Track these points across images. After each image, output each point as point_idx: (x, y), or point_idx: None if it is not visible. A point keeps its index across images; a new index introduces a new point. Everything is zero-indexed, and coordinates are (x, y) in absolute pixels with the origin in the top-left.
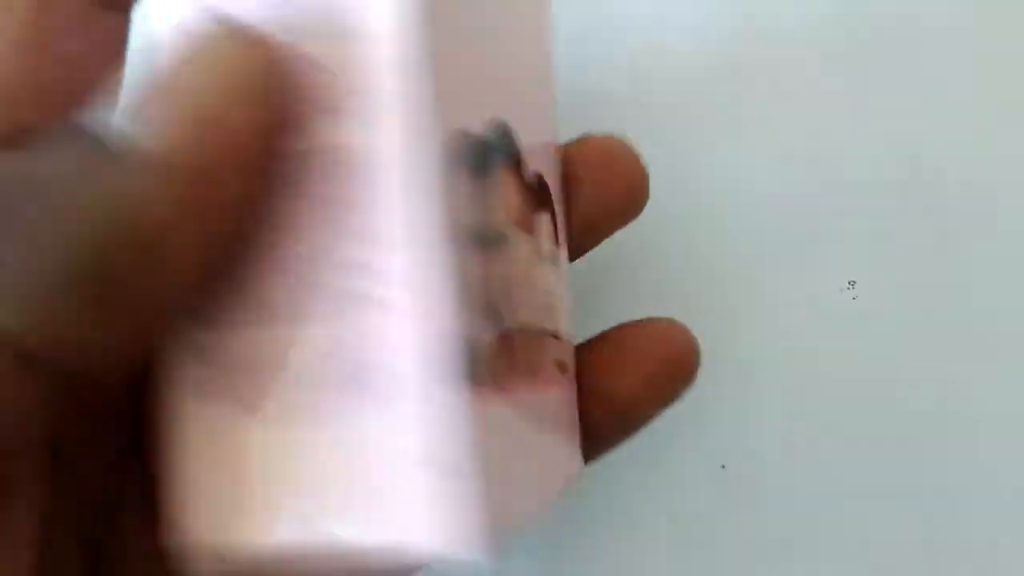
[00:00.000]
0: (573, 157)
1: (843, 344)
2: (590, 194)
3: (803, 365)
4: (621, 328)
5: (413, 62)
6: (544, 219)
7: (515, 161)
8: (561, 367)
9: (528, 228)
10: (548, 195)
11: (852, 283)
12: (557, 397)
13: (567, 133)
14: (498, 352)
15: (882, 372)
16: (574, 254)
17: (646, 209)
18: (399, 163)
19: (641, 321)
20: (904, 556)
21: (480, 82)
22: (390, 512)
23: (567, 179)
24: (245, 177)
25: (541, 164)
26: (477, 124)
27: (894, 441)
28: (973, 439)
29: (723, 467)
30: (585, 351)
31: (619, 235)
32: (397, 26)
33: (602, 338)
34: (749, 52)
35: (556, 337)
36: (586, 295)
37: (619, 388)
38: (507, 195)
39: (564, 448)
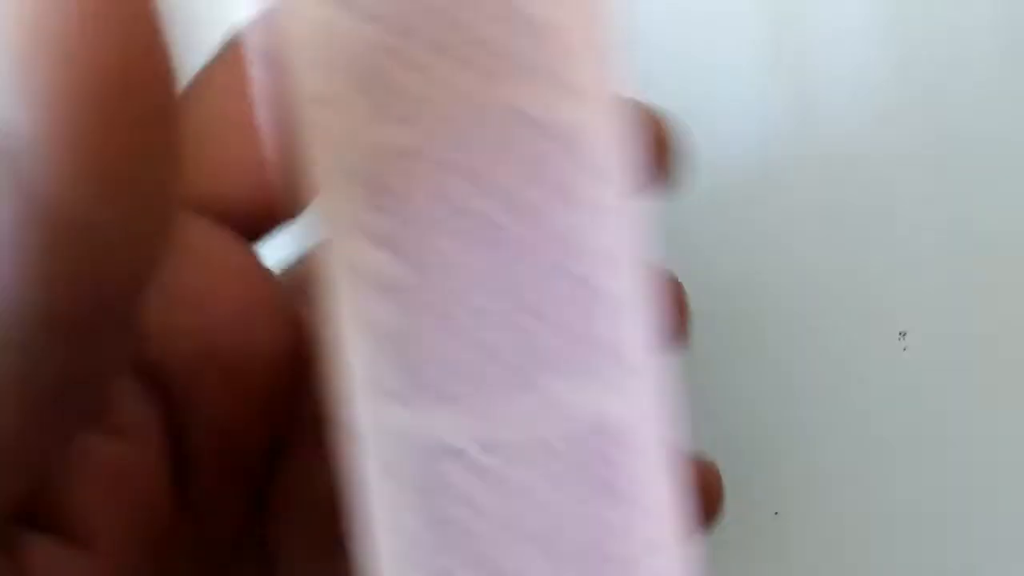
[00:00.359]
0: None
1: (895, 395)
2: None
3: (854, 414)
4: None
5: None
6: None
7: None
8: None
9: None
10: None
11: (903, 334)
12: None
13: None
14: None
15: (931, 424)
16: None
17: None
18: None
19: None
20: None
21: None
22: None
23: None
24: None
25: None
26: None
27: (949, 489)
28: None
29: (776, 514)
30: None
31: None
32: None
33: None
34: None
35: None
36: None
37: None
38: None
39: None
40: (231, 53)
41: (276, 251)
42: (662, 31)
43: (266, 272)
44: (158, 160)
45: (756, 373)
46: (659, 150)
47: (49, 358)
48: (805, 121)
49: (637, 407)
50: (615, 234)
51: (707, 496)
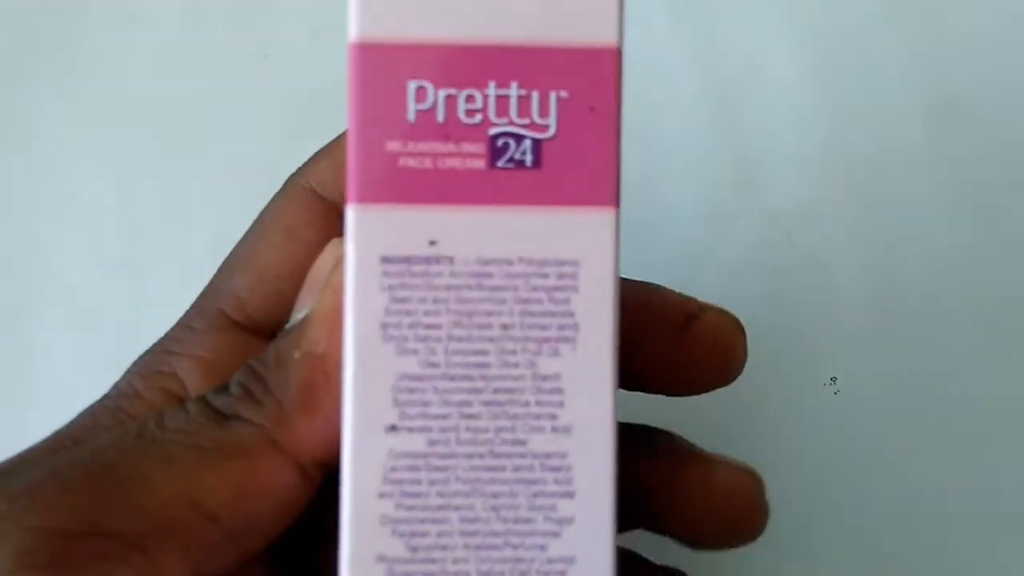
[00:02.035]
0: None
1: (827, 438)
2: None
3: (785, 457)
4: (688, 465)
5: None
6: None
7: None
8: None
9: None
10: None
11: (834, 379)
12: None
13: None
14: None
15: (864, 465)
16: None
17: None
18: None
19: (713, 463)
20: None
21: None
22: None
23: None
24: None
25: None
26: None
27: (880, 527)
28: (959, 531)
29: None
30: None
31: None
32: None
33: (666, 469)
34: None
35: None
36: None
37: (675, 532)
38: None
39: None
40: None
41: None
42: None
43: None
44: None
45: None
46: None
47: None
48: (747, 184)
49: None
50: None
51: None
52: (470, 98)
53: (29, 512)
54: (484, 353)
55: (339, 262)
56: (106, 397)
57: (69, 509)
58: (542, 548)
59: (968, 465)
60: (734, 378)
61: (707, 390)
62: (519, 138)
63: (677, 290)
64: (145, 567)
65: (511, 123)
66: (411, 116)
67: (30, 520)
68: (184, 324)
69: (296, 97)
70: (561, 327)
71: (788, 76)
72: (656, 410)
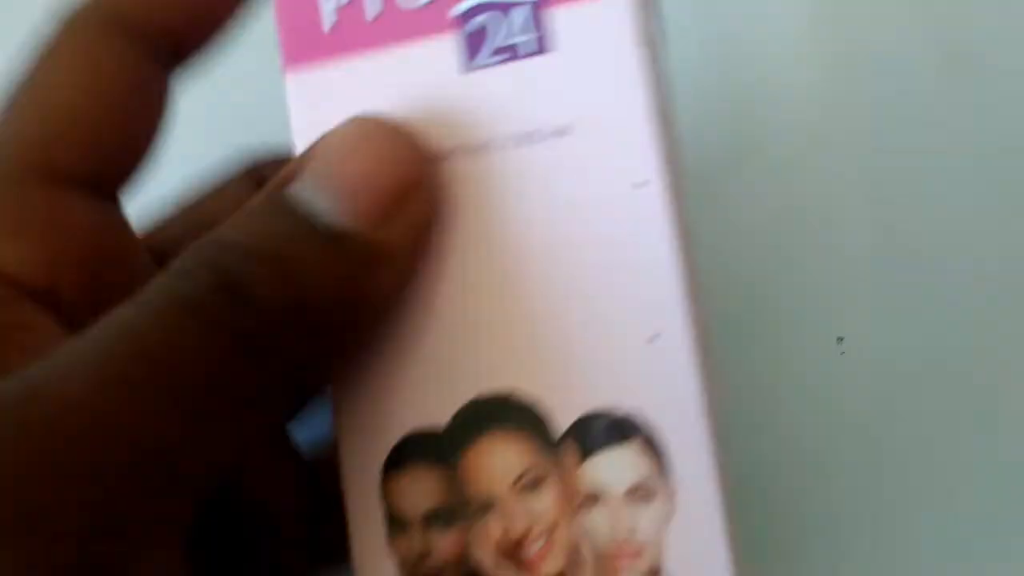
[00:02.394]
0: None
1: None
2: None
3: (791, 420)
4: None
5: None
6: (605, 460)
7: (513, 427)
8: None
9: (543, 484)
10: (615, 430)
11: (840, 339)
12: None
13: None
14: None
15: (871, 429)
16: None
17: None
18: None
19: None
20: None
21: (446, 374)
22: None
23: None
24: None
25: (613, 384)
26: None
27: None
28: (964, 496)
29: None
30: None
31: None
32: None
33: None
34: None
35: None
36: None
37: None
38: (493, 464)
39: None
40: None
41: None
42: None
43: None
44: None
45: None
46: None
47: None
48: (748, 124)
49: None
50: None
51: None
52: None
53: None
54: None
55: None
56: None
57: None
58: None
59: (981, 425)
60: None
61: None
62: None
63: None
64: None
65: None
66: None
67: None
68: None
69: None
70: None
71: (790, 16)
72: None
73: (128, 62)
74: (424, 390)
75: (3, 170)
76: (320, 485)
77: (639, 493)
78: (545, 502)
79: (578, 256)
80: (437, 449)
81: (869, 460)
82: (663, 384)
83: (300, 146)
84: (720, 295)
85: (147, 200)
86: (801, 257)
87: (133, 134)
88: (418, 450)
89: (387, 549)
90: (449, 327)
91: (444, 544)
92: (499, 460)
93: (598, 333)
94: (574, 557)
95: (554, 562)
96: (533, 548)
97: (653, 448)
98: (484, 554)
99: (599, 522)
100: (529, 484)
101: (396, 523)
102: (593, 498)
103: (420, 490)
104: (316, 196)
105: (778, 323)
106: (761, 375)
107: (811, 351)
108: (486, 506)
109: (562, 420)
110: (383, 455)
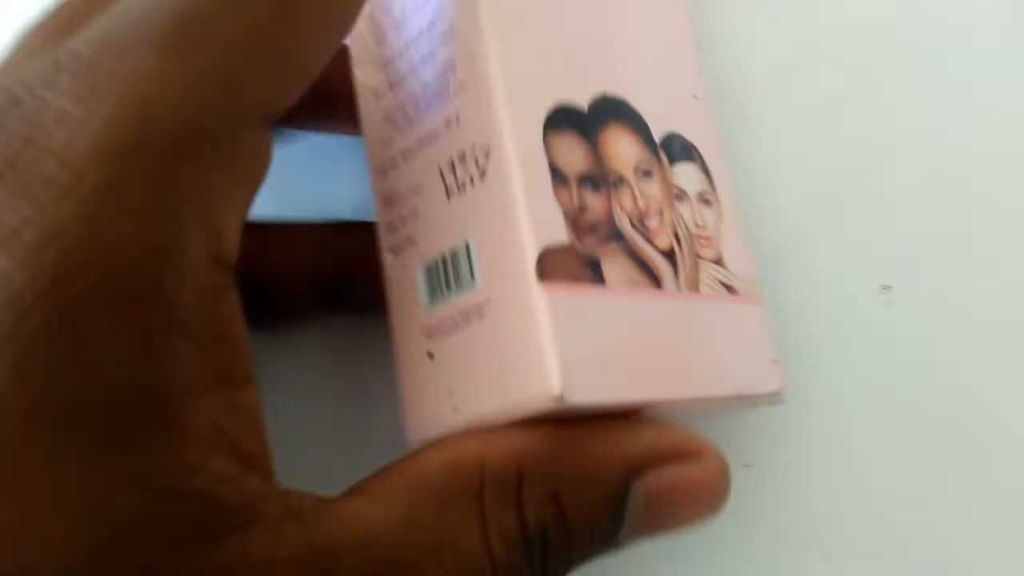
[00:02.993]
0: None
1: (876, 351)
2: None
3: (833, 369)
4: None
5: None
6: (682, 169)
7: (630, 125)
8: (729, 289)
9: (652, 174)
10: (685, 149)
11: (887, 287)
12: (723, 311)
13: None
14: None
15: (917, 380)
16: None
17: None
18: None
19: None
20: (925, 562)
21: (580, 67)
22: None
23: None
24: None
25: (677, 121)
26: (580, 99)
27: (925, 449)
28: (1011, 451)
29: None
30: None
31: None
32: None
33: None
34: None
35: (716, 263)
36: None
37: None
38: (621, 149)
39: (734, 357)
40: None
41: None
42: None
43: None
44: None
45: None
46: None
47: None
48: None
49: None
50: None
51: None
52: None
53: None
54: None
55: None
56: None
57: None
58: None
59: None
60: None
61: None
62: None
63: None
64: None
65: None
66: None
67: None
68: None
69: None
70: None
71: None
72: None
73: None
74: (569, 74)
75: None
76: (336, 247)
77: (704, 198)
78: (655, 189)
79: (647, 29)
80: (580, 123)
81: (914, 417)
82: (703, 128)
83: None
84: (760, 234)
85: None
86: (845, 199)
87: None
88: (568, 119)
89: (552, 198)
90: (586, 31)
91: (595, 203)
92: (625, 146)
93: (667, 87)
94: (676, 236)
95: (666, 238)
96: (654, 222)
97: (704, 169)
98: (623, 219)
99: (685, 213)
100: (644, 172)
101: (558, 176)
102: (681, 195)
103: (573, 153)
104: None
105: (816, 270)
106: (799, 326)
107: (857, 299)
108: (620, 180)
109: (655, 133)
110: (543, 114)
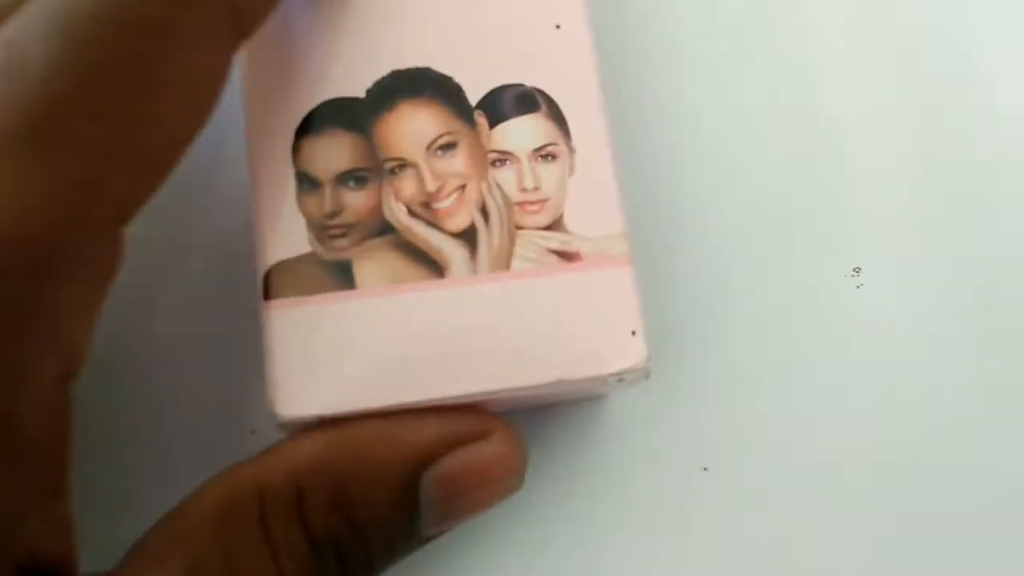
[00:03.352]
0: None
1: (844, 338)
2: None
3: (798, 358)
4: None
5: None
6: (513, 126)
7: (429, 96)
8: (566, 256)
9: (456, 146)
10: (523, 100)
11: (857, 270)
12: (547, 285)
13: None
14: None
15: (885, 370)
16: None
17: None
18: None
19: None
20: (889, 564)
21: (361, 52)
22: None
23: None
24: None
25: (517, 67)
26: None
27: (891, 447)
28: (982, 446)
29: (705, 469)
30: None
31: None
32: None
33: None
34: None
35: (549, 228)
36: None
37: None
38: (408, 130)
39: (562, 335)
40: None
41: None
42: None
43: None
44: None
45: (703, 309)
46: None
47: None
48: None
49: None
50: None
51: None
52: None
53: None
54: None
55: None
56: None
57: None
58: None
59: (1011, 368)
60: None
61: None
62: None
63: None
64: None
65: None
66: None
67: None
68: None
69: None
70: None
71: None
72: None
73: None
74: (342, 63)
75: None
76: None
77: (544, 152)
78: (457, 164)
79: None
80: (352, 116)
81: (886, 405)
82: (563, 64)
83: None
84: (729, 211)
85: None
86: (813, 179)
87: None
88: (334, 115)
89: (295, 207)
90: (370, 7)
91: (356, 201)
92: (416, 125)
93: (508, 21)
94: (483, 213)
95: (463, 218)
96: (446, 202)
97: (555, 117)
98: (397, 209)
99: (508, 179)
100: (443, 147)
101: (307, 183)
102: (503, 159)
103: (334, 153)
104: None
105: (784, 252)
106: (772, 305)
107: (826, 283)
108: (400, 166)
109: (474, 93)
110: (296, 120)
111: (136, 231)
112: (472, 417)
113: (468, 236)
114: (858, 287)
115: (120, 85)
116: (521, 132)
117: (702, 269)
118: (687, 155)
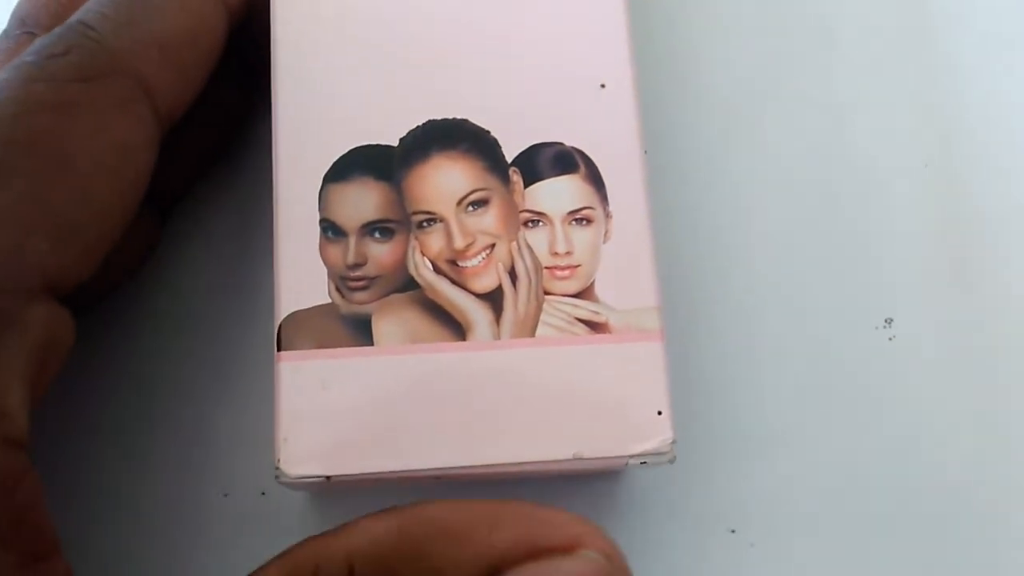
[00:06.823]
0: None
1: (876, 390)
2: None
3: (830, 414)
4: None
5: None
6: (548, 186)
7: (464, 150)
8: (594, 326)
9: (489, 203)
10: (562, 160)
11: (889, 321)
12: (571, 355)
13: None
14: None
15: (918, 423)
16: None
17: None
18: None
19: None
20: None
21: (397, 100)
22: None
23: None
24: None
25: (557, 126)
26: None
27: (923, 507)
28: (1017, 501)
29: (733, 532)
30: None
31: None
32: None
33: None
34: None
35: (579, 296)
36: None
37: None
38: (440, 183)
39: (584, 410)
40: None
41: None
42: None
43: None
44: None
45: (736, 363)
46: None
47: None
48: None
49: None
50: None
51: None
52: None
53: None
54: None
55: None
56: None
57: None
58: None
59: None
60: None
61: None
62: None
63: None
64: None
65: None
66: None
67: None
68: None
69: None
70: None
71: None
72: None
73: None
74: (377, 109)
75: None
76: None
77: (580, 216)
78: (488, 221)
79: (535, 6)
80: (383, 164)
81: (915, 456)
82: (606, 125)
83: None
84: (758, 264)
85: None
86: (847, 229)
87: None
88: (364, 163)
89: (317, 256)
90: (408, 54)
91: (380, 253)
92: (448, 178)
93: (550, 76)
94: (512, 274)
95: (490, 279)
96: (474, 261)
97: (593, 179)
98: (422, 264)
99: (540, 241)
100: (475, 203)
101: (331, 231)
102: (536, 219)
103: (362, 201)
104: None
105: (815, 304)
106: (801, 357)
107: (858, 334)
108: (429, 220)
109: (510, 149)
110: (325, 165)
111: None
112: (558, 521)
113: (494, 298)
114: (890, 339)
115: (28, 158)
116: (557, 193)
117: (728, 330)
118: (707, 211)
